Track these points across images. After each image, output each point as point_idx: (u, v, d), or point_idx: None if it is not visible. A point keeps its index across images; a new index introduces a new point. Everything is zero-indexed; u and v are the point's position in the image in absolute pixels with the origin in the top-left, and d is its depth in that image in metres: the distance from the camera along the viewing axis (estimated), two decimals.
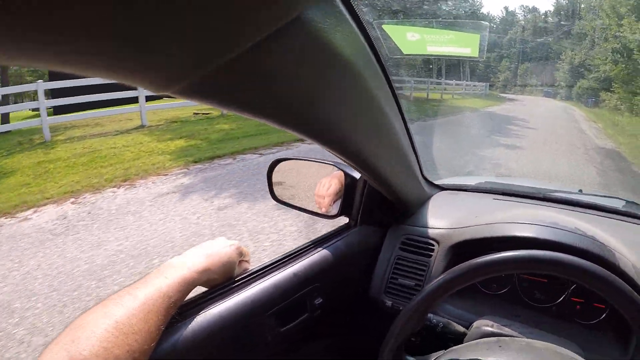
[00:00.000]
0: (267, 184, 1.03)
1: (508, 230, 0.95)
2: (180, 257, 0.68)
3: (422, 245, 1.02)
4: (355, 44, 0.50)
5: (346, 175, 1.01)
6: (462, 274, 0.70)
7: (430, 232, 1.03)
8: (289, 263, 0.88)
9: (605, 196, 1.35)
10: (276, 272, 0.83)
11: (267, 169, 1.03)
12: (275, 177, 1.03)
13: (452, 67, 27.90)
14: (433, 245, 1.01)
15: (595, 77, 22.61)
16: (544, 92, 34.32)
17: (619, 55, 16.28)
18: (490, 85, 33.66)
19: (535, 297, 0.98)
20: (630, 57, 15.09)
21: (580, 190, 1.30)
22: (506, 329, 0.81)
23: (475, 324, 0.83)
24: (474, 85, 26.76)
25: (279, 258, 0.89)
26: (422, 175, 1.10)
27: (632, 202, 1.25)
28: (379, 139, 0.72)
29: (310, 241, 0.98)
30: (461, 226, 1.01)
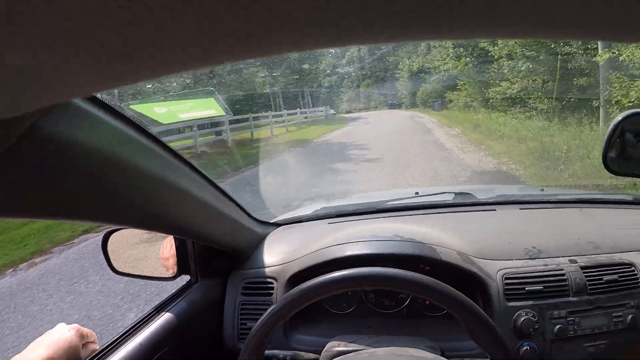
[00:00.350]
0: (104, 258, 0.99)
1: (332, 254, 0.99)
2: (20, 354, 0.66)
3: (262, 285, 1.04)
4: (112, 131, 0.49)
5: (174, 237, 1.01)
6: (277, 310, 0.73)
7: (268, 270, 1.05)
8: (134, 334, 0.86)
9: (437, 193, 1.43)
10: (122, 346, 0.81)
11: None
12: (111, 249, 0.99)
13: (290, 98, 28.45)
14: (272, 283, 1.04)
15: (437, 79, 23.03)
16: (388, 104, 35.74)
17: (462, 49, 15.78)
18: (332, 108, 33.55)
19: (386, 305, 1.05)
20: (477, 46, 14.16)
21: (417, 193, 1.38)
22: (353, 345, 0.85)
23: (325, 348, 0.87)
24: (319, 111, 26.28)
25: (123, 331, 0.86)
26: (253, 218, 1.13)
27: (461, 193, 1.37)
28: (184, 207, 0.71)
29: (153, 307, 0.96)
30: (294, 258, 1.05)
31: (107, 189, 0.49)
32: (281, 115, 18.06)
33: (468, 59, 15.30)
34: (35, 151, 0.38)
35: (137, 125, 0.54)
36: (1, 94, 0.24)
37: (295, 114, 19.92)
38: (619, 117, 0.96)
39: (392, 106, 33.83)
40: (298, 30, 0.19)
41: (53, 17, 0.17)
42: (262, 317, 0.73)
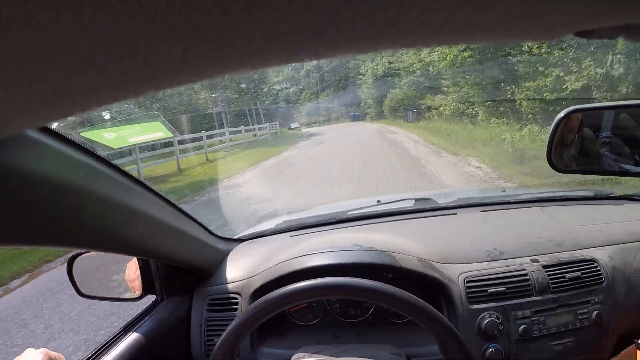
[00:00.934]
0: (69, 281, 0.99)
1: (292, 266, 1.00)
2: None
3: (226, 301, 1.05)
4: (66, 159, 0.50)
5: (137, 257, 1.02)
6: (240, 324, 0.74)
7: (231, 286, 1.06)
8: (102, 355, 0.86)
9: (398, 200, 1.44)
10: None
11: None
12: (76, 272, 0.99)
13: (238, 115, 25.96)
14: (237, 299, 1.04)
15: (409, 82, 18.70)
16: (350, 116, 31.47)
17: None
18: (290, 123, 31.22)
19: (351, 314, 1.06)
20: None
21: (379, 201, 1.39)
22: (317, 355, 0.86)
23: (291, 359, 0.88)
24: (262, 128, 21.65)
25: (91, 353, 0.86)
26: (214, 235, 1.13)
27: (422, 198, 1.39)
28: (143, 228, 0.72)
29: (120, 328, 0.97)
30: (257, 272, 1.06)
31: (64, 214, 0.50)
32: (223, 134, 14.98)
33: (466, 52, 11.03)
34: None
35: (89, 151, 0.55)
36: None
37: (240, 131, 16.75)
38: (561, 115, 0.96)
39: (355, 118, 29.92)
40: (286, 42, 0.19)
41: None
42: (226, 331, 0.74)
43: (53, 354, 0.74)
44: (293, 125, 29.66)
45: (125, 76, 0.20)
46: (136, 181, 0.68)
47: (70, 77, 0.19)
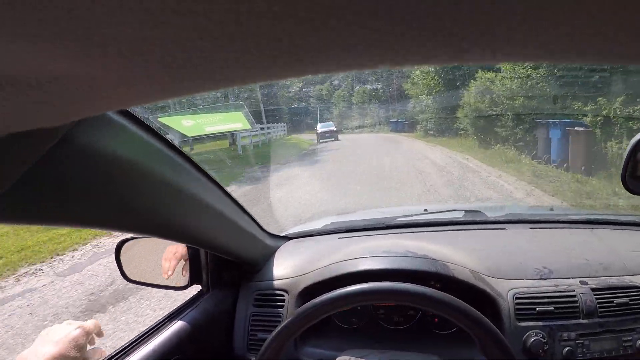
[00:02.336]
0: (117, 266, 1.01)
1: (345, 268, 1.00)
2: (29, 349, 0.67)
3: (273, 297, 1.05)
4: (140, 143, 0.51)
5: (188, 246, 1.02)
6: (291, 324, 0.74)
7: (279, 283, 1.06)
8: (146, 341, 0.87)
9: (447, 210, 1.44)
10: (133, 353, 0.82)
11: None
12: (124, 257, 1.01)
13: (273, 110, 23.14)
14: (283, 296, 1.04)
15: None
16: (391, 124, 20.78)
17: None
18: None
19: (395, 321, 1.05)
20: None
21: (426, 210, 1.37)
22: (362, 359, 0.85)
23: None
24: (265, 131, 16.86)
25: (135, 338, 0.87)
26: (264, 231, 1.14)
27: (471, 210, 1.36)
28: (201, 217, 0.73)
29: (166, 315, 0.97)
30: (306, 272, 1.05)
31: (132, 198, 0.51)
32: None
33: None
34: (66, 160, 0.40)
35: (162, 137, 0.57)
36: (39, 105, 0.25)
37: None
38: (639, 136, 0.93)
39: (398, 127, 19.48)
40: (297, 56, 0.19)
41: (102, 28, 0.17)
42: (276, 330, 0.74)
43: (88, 326, 0.74)
44: (322, 128, 18.52)
45: (209, 71, 0.21)
46: (199, 169, 0.69)
47: (163, 67, 0.20)
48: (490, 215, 1.34)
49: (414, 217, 1.33)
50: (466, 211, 1.36)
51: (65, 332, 0.71)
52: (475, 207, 1.41)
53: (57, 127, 0.34)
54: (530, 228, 1.24)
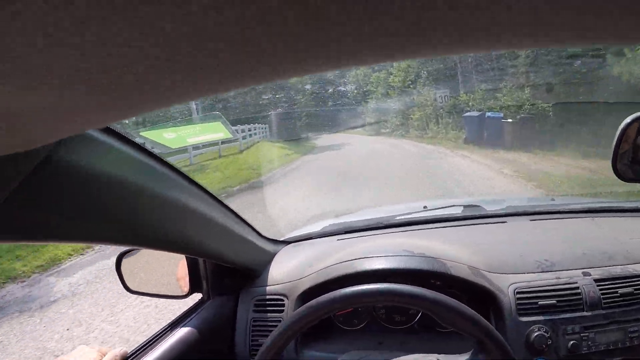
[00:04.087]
0: (118, 278, 1.02)
1: (341, 270, 0.99)
2: None
3: (273, 302, 1.05)
4: (124, 158, 0.51)
5: (186, 256, 1.03)
6: (288, 327, 0.74)
7: (278, 288, 1.06)
8: (148, 350, 0.87)
9: (446, 206, 1.40)
10: None
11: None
12: (125, 269, 1.02)
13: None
14: (283, 300, 1.04)
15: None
16: (465, 119, 10.66)
17: None
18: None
19: (396, 321, 1.05)
20: None
21: (425, 207, 1.37)
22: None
23: None
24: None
25: (137, 348, 0.88)
26: (262, 236, 1.14)
27: (470, 205, 1.35)
28: (196, 227, 0.74)
29: (167, 324, 0.98)
30: (305, 275, 1.05)
31: (121, 212, 0.51)
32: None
33: None
34: (51, 179, 0.40)
35: (146, 151, 0.56)
36: (18, 131, 0.25)
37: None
38: (627, 120, 0.91)
39: (475, 130, 10.06)
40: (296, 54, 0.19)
41: (64, 60, 0.18)
42: (273, 333, 0.74)
43: (105, 349, 0.75)
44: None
45: (189, 79, 0.21)
46: (189, 180, 0.69)
47: (138, 80, 0.20)
48: (490, 209, 1.33)
49: (413, 215, 1.32)
50: (465, 206, 1.35)
51: (81, 353, 0.73)
52: (475, 202, 1.40)
53: (36, 149, 0.34)
54: (531, 220, 1.23)
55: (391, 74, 16.93)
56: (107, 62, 0.18)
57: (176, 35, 0.17)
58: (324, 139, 15.28)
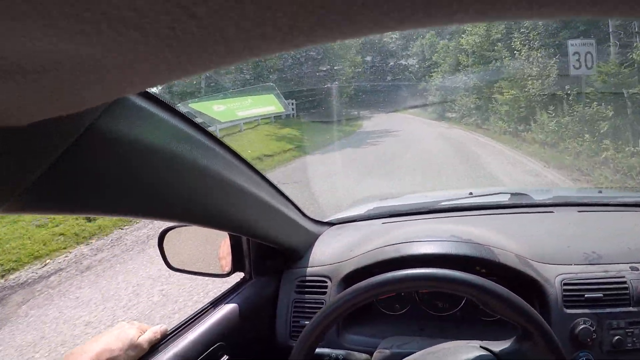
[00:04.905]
0: (160, 254, 1.02)
1: (387, 253, 0.98)
2: (81, 346, 0.71)
3: (315, 284, 1.05)
4: (170, 129, 0.50)
5: (230, 234, 1.03)
6: (332, 309, 0.72)
7: (321, 269, 1.06)
8: (190, 327, 0.87)
9: (492, 194, 1.40)
10: (179, 338, 0.83)
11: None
12: (167, 246, 1.02)
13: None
14: (326, 282, 1.03)
15: None
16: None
17: None
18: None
19: (439, 307, 1.03)
20: None
21: (471, 193, 1.35)
22: (405, 346, 0.84)
23: (377, 349, 0.86)
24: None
25: (180, 324, 0.88)
26: (306, 217, 1.13)
27: (517, 193, 1.33)
28: (241, 204, 0.73)
29: (209, 302, 0.98)
30: (348, 258, 1.04)
31: (167, 186, 0.50)
32: None
33: None
34: (96, 149, 0.39)
35: (195, 124, 0.55)
36: (52, 92, 0.25)
37: None
38: None
39: None
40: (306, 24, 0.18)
41: (118, 7, 0.17)
42: (317, 315, 0.73)
43: (145, 326, 0.78)
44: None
45: (222, 45, 0.20)
46: (237, 157, 0.68)
47: (171, 43, 0.19)
48: (537, 198, 1.31)
49: (459, 201, 1.30)
50: (512, 194, 1.32)
51: (118, 330, 0.74)
52: (522, 190, 1.36)
53: (80, 116, 0.34)
54: (578, 211, 1.21)
55: (464, 33, 11.97)
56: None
57: None
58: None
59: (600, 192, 1.54)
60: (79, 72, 0.22)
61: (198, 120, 0.56)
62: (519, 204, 1.26)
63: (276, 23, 0.18)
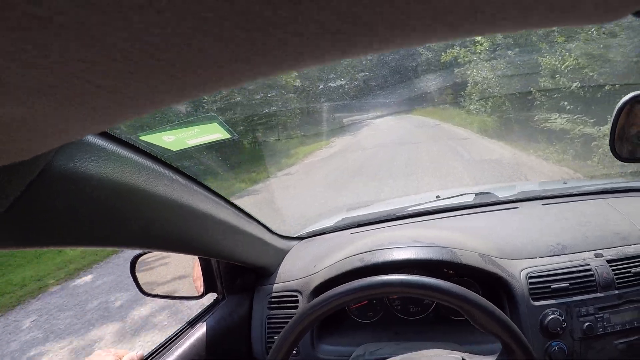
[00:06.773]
0: (132, 281, 1.02)
1: (352, 263, 0.99)
2: None
3: (287, 298, 1.06)
4: (126, 162, 0.51)
5: (199, 257, 1.04)
6: (298, 321, 0.73)
7: (291, 284, 1.07)
8: (166, 350, 0.88)
9: (458, 195, 1.39)
10: None
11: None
12: (139, 273, 1.02)
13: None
14: (296, 296, 1.04)
15: None
16: None
17: None
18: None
19: (411, 311, 1.05)
20: None
21: (438, 196, 1.37)
22: (379, 352, 0.85)
23: (350, 358, 0.87)
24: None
25: (156, 348, 0.89)
26: (274, 233, 1.14)
27: (482, 193, 1.35)
28: (205, 228, 0.74)
29: (184, 324, 1.00)
30: (317, 270, 1.05)
31: (127, 216, 0.51)
32: None
33: None
34: (53, 187, 0.40)
35: (148, 154, 0.56)
36: (12, 140, 0.25)
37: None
38: (626, 99, 0.88)
39: None
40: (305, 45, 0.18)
41: (47, 72, 0.18)
42: (285, 328, 0.74)
43: (122, 352, 0.76)
44: None
45: (176, 81, 0.20)
46: (197, 182, 0.70)
47: (127, 83, 0.20)
48: (502, 195, 1.33)
49: (425, 205, 1.31)
50: (477, 194, 1.35)
51: (98, 357, 0.74)
52: (486, 189, 1.39)
53: (35, 158, 0.34)
54: (543, 204, 1.22)
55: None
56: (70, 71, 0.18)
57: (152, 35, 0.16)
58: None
59: (565, 183, 1.56)
60: (17, 126, 0.23)
61: (152, 150, 0.57)
62: (485, 203, 1.27)
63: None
